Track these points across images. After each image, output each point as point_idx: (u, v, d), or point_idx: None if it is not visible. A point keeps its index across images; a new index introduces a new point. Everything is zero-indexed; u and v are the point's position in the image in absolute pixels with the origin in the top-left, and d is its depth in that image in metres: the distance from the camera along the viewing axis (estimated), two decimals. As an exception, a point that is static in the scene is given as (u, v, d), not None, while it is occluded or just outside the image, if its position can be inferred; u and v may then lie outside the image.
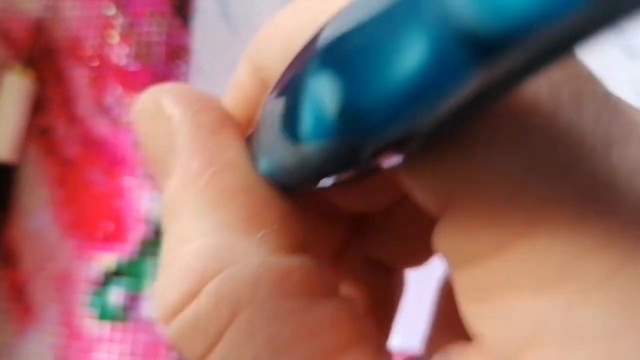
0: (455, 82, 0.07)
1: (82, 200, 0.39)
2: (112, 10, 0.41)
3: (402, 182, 0.10)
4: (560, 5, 0.06)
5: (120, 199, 0.39)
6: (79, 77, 0.41)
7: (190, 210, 0.11)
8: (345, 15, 0.09)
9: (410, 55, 0.07)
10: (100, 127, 0.40)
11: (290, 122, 0.09)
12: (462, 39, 0.06)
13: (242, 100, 0.13)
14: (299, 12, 0.11)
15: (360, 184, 0.11)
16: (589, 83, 0.09)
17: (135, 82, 0.40)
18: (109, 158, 0.39)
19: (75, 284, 0.38)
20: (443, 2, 0.06)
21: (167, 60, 0.40)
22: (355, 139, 0.08)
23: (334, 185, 0.11)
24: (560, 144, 0.09)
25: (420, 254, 0.16)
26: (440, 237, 0.10)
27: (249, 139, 0.12)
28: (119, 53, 0.41)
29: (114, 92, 0.40)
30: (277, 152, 0.10)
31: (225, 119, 0.12)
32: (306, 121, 0.09)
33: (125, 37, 0.41)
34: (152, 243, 0.38)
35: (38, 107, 0.40)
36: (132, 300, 0.37)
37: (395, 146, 0.09)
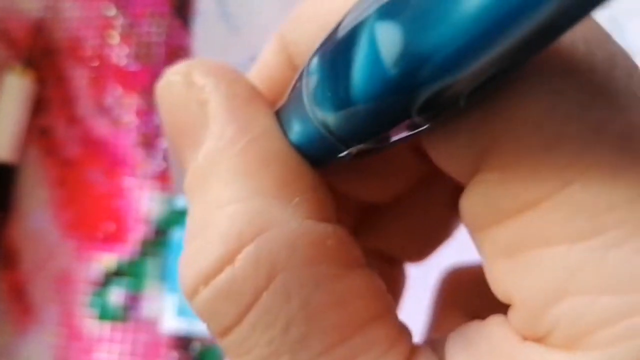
0: (519, 11, 0.07)
1: (82, 200, 0.39)
2: (112, 11, 0.41)
3: (431, 149, 0.10)
4: None
5: (120, 199, 0.39)
6: (79, 78, 0.41)
7: (225, 176, 0.11)
8: None
9: None
10: (101, 127, 0.40)
11: (334, 88, 0.09)
12: None
13: (267, 79, 0.13)
14: None
15: (374, 171, 0.11)
16: (618, 46, 0.09)
17: (135, 82, 0.40)
18: (109, 158, 0.39)
19: (75, 284, 0.38)
20: None
21: (167, 61, 0.40)
22: (413, 84, 0.08)
23: (355, 156, 0.11)
24: (595, 99, 0.09)
25: (424, 248, 0.16)
26: (472, 198, 0.10)
27: (277, 113, 0.12)
28: (119, 53, 0.41)
29: (114, 93, 0.40)
30: (309, 123, 0.10)
31: (256, 90, 0.12)
32: (361, 74, 0.09)
33: (125, 37, 0.41)
34: (153, 243, 0.38)
35: (38, 107, 0.40)
36: (132, 301, 0.37)
37: (446, 101, 0.09)
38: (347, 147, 0.10)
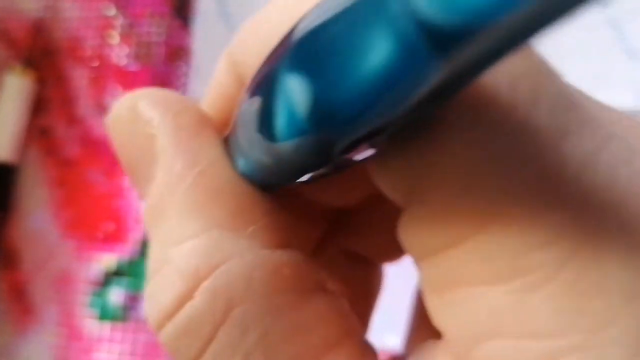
0: (421, 75, 0.07)
1: (82, 200, 0.39)
2: (112, 11, 0.41)
3: (371, 175, 0.10)
4: None
5: (120, 199, 0.39)
6: (79, 78, 0.41)
7: (177, 211, 0.11)
8: (315, 11, 0.09)
9: (377, 51, 0.07)
10: (100, 127, 0.40)
11: (265, 121, 0.09)
12: (425, 32, 0.07)
13: (220, 98, 0.13)
14: (279, 8, 0.11)
15: (338, 178, 0.11)
16: (547, 77, 0.09)
17: (135, 82, 0.40)
18: (109, 158, 0.39)
19: (75, 284, 0.38)
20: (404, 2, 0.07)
21: (167, 61, 0.40)
22: (326, 137, 0.09)
23: (311, 180, 0.11)
24: (516, 137, 0.09)
25: (399, 248, 0.16)
26: (404, 229, 0.10)
27: (227, 139, 0.12)
28: (119, 53, 0.41)
29: (114, 93, 0.40)
30: (254, 150, 0.10)
31: (204, 120, 0.12)
32: (280, 120, 0.09)
33: (125, 37, 0.41)
34: (152, 243, 0.38)
35: (38, 107, 0.40)
36: (132, 300, 0.37)
37: (366, 141, 0.09)
38: (294, 177, 0.11)
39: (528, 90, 0.09)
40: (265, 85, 0.09)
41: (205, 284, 0.10)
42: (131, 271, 0.38)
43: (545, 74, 0.09)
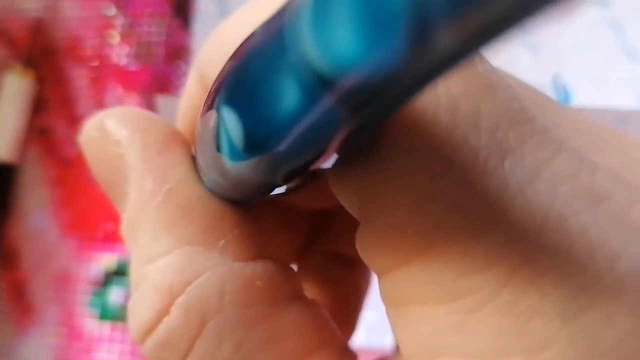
0: (328, 119, 0.07)
1: (82, 200, 0.39)
2: (112, 11, 0.41)
3: (332, 187, 0.11)
4: (383, 56, 0.06)
5: (120, 199, 0.39)
6: (79, 77, 0.41)
7: (150, 228, 0.11)
8: (241, 47, 0.09)
9: (286, 96, 0.07)
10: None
11: (217, 140, 0.10)
12: (319, 81, 0.07)
13: (191, 110, 0.13)
14: (239, 20, 0.11)
15: (312, 186, 0.11)
16: (488, 95, 0.09)
17: (135, 82, 0.40)
18: (109, 158, 0.39)
19: (75, 284, 0.38)
20: (300, 46, 0.07)
21: (167, 61, 0.40)
22: (265, 164, 0.09)
23: (283, 193, 0.11)
24: (453, 161, 0.09)
25: None
26: (359, 245, 0.10)
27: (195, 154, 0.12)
28: (119, 53, 0.41)
29: (114, 92, 0.40)
30: (210, 170, 0.10)
31: (172, 136, 0.12)
32: (223, 144, 0.09)
33: (125, 37, 0.41)
34: (152, 243, 0.38)
35: (38, 107, 0.40)
36: (132, 300, 0.38)
37: (311, 165, 0.09)
38: (252, 194, 0.11)
39: (467, 111, 0.09)
40: (213, 109, 0.10)
41: (180, 299, 0.10)
42: (131, 271, 0.38)
43: (488, 90, 0.09)
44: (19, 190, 0.40)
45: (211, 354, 0.10)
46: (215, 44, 0.12)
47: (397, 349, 0.15)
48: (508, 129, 0.09)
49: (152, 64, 0.40)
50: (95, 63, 0.41)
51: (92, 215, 0.39)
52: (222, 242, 0.11)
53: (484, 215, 0.09)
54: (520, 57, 0.35)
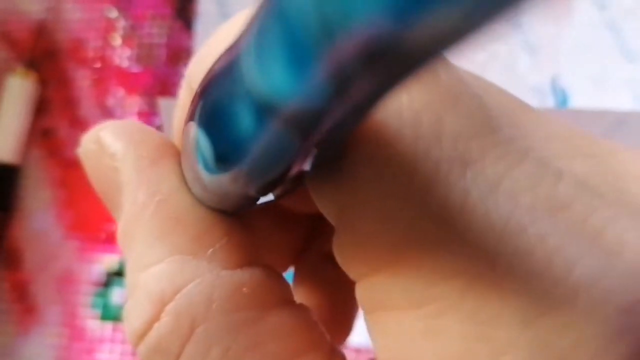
0: (283, 143, 0.08)
1: (84, 201, 0.39)
2: (113, 13, 0.41)
3: (311, 193, 0.11)
4: (318, 86, 0.07)
5: (122, 200, 0.39)
6: (81, 79, 0.41)
7: (143, 239, 0.11)
8: (210, 69, 0.09)
9: (241, 120, 0.08)
10: (102, 128, 0.40)
11: (196, 154, 0.10)
12: (266, 108, 0.08)
13: (183, 121, 0.13)
14: (224, 34, 0.11)
15: (301, 190, 0.12)
16: (451, 106, 0.09)
17: (137, 84, 0.40)
18: (110, 159, 0.39)
19: (77, 285, 0.39)
20: (249, 76, 0.07)
21: (169, 63, 0.40)
22: (237, 177, 0.09)
23: (272, 201, 0.12)
24: (417, 172, 0.09)
25: None
26: (335, 251, 0.11)
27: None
28: (121, 55, 0.41)
29: (116, 94, 0.40)
30: (195, 180, 0.11)
31: (165, 148, 0.12)
32: (200, 158, 0.10)
33: (126, 39, 0.41)
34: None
35: (40, 108, 0.41)
36: (134, 301, 0.38)
37: (283, 179, 0.10)
38: (235, 204, 0.11)
39: (430, 123, 0.09)
40: (191, 123, 0.10)
41: (169, 306, 0.11)
42: (133, 272, 0.38)
43: (451, 101, 0.09)
44: (22, 192, 0.40)
45: (200, 358, 0.11)
46: (203, 56, 0.12)
47: None
48: (470, 140, 0.09)
49: (153, 66, 0.40)
50: (97, 65, 0.41)
51: (94, 217, 0.39)
52: (210, 250, 0.11)
53: (446, 227, 0.09)
54: (518, 59, 0.35)
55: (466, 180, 0.09)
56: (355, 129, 0.09)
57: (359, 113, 0.08)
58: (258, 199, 0.11)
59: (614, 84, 0.34)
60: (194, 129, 0.10)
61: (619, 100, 0.34)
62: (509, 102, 0.10)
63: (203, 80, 0.09)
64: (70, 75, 0.41)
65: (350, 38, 0.06)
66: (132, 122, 0.12)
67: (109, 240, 0.39)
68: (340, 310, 0.17)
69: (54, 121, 0.41)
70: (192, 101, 0.10)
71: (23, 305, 0.39)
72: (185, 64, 0.40)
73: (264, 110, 0.08)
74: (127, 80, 0.40)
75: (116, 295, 0.38)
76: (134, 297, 0.11)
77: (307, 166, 0.10)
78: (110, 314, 0.38)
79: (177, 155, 0.12)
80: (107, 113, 0.40)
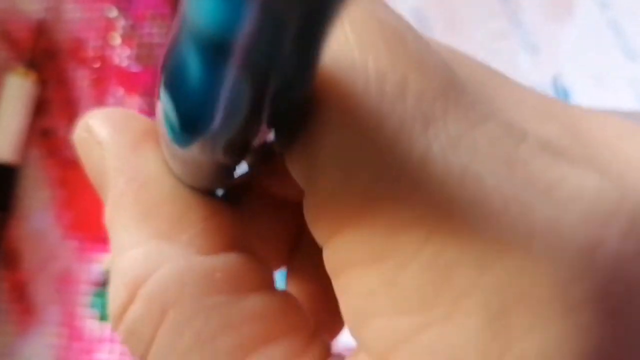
0: (236, 86, 0.08)
1: (84, 201, 0.39)
2: (113, 12, 0.41)
3: (285, 163, 0.11)
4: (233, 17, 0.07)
5: (121, 200, 0.39)
6: (81, 79, 0.41)
7: (123, 223, 0.12)
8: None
9: (194, 69, 0.08)
10: (102, 128, 0.40)
11: (165, 128, 0.10)
12: (212, 47, 0.08)
13: None
14: None
15: (279, 168, 0.12)
16: (416, 68, 0.10)
17: (137, 83, 0.40)
18: (110, 159, 0.39)
19: (76, 285, 0.38)
20: (191, 17, 0.07)
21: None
22: (205, 141, 0.09)
23: (247, 174, 0.11)
24: (381, 129, 0.09)
25: None
26: (306, 214, 0.11)
27: None
28: (121, 55, 0.41)
29: (116, 94, 0.40)
30: (172, 157, 0.11)
31: (146, 134, 0.12)
32: (168, 129, 0.10)
33: (126, 39, 0.41)
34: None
35: (40, 108, 0.41)
36: (133, 301, 0.38)
37: (251, 137, 0.10)
38: (210, 177, 0.11)
39: (394, 83, 0.09)
40: (157, 98, 0.10)
41: (142, 290, 0.11)
42: (132, 272, 0.38)
43: (415, 64, 0.10)
44: (21, 192, 0.40)
45: (173, 342, 0.11)
46: None
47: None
48: (434, 100, 0.09)
49: (153, 65, 0.40)
50: (97, 64, 0.41)
51: (93, 217, 0.39)
52: (186, 235, 0.11)
53: (406, 180, 0.09)
54: (520, 58, 0.35)
55: (428, 136, 0.09)
56: (308, 85, 0.09)
57: (301, 53, 0.08)
58: (233, 169, 0.11)
59: (615, 83, 0.34)
60: (161, 102, 0.10)
61: (621, 99, 0.34)
62: (480, 70, 0.11)
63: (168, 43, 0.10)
64: (70, 75, 0.41)
65: None
66: (118, 110, 0.13)
67: (108, 240, 0.39)
68: (333, 300, 0.16)
69: (53, 121, 0.41)
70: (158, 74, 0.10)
71: (22, 305, 0.39)
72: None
73: (209, 50, 0.08)
74: (126, 79, 0.40)
75: (115, 295, 0.38)
76: (113, 281, 0.11)
77: (271, 136, 0.11)
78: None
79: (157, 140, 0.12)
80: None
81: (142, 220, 0.11)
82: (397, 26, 0.10)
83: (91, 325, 0.38)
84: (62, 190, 0.40)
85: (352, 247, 0.10)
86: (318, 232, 0.10)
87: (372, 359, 0.10)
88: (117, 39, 0.41)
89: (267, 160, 0.12)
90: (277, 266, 0.17)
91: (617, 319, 0.09)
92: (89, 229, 0.39)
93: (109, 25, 0.41)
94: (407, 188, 0.09)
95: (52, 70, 0.41)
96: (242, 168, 0.12)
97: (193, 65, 0.08)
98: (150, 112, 0.39)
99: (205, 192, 0.12)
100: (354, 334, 0.10)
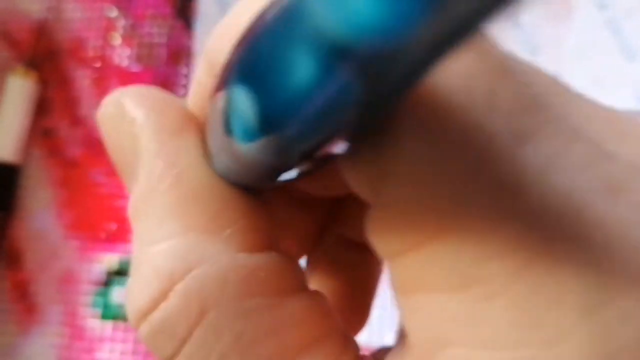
0: (345, 92, 0.07)
1: (85, 200, 0.39)
2: (114, 12, 0.41)
3: (341, 172, 0.10)
4: (411, 13, 0.06)
5: (122, 200, 0.39)
6: (82, 79, 0.41)
7: (156, 212, 0.11)
8: (255, 24, 0.09)
9: (302, 69, 0.07)
10: (103, 128, 0.40)
11: (226, 124, 0.09)
12: (336, 51, 0.07)
13: (201, 98, 0.13)
14: (247, 8, 0.11)
15: (324, 172, 0.11)
16: (504, 77, 0.09)
17: (137, 83, 0.40)
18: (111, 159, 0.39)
19: (78, 284, 0.39)
20: (313, 17, 0.07)
21: (169, 62, 0.40)
22: (280, 141, 0.09)
23: (296, 178, 0.11)
24: (468, 144, 0.09)
25: None
26: (369, 228, 0.10)
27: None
28: (121, 55, 0.41)
29: (116, 94, 0.40)
30: (221, 154, 0.10)
31: (187, 120, 0.12)
32: (236, 126, 0.09)
33: (126, 38, 0.41)
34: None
35: (41, 108, 0.41)
36: (135, 300, 0.38)
37: (325, 143, 0.09)
38: (263, 178, 0.11)
39: (483, 93, 0.09)
40: (223, 91, 0.10)
41: (179, 286, 0.10)
42: (133, 271, 0.38)
43: (503, 74, 0.09)
44: (23, 191, 0.40)
45: (210, 344, 0.10)
46: (224, 31, 0.11)
47: (399, 340, 0.15)
48: (523, 115, 0.09)
49: (153, 65, 0.40)
50: (98, 64, 0.41)
51: (94, 216, 0.39)
52: (227, 231, 0.11)
53: (499, 202, 0.08)
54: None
55: (521, 156, 0.08)
56: (405, 99, 0.09)
57: (428, 61, 0.07)
58: (284, 172, 0.11)
59: (614, 83, 0.34)
60: (224, 98, 0.09)
61: (620, 100, 0.34)
62: (551, 82, 0.10)
63: (243, 40, 0.09)
64: (70, 75, 0.41)
65: None
66: (155, 90, 0.12)
67: (110, 240, 0.39)
68: (356, 296, 0.16)
69: (54, 121, 0.41)
70: (226, 65, 0.09)
71: (24, 304, 0.39)
72: (186, 64, 0.40)
73: (332, 53, 0.07)
74: (127, 79, 0.40)
75: (116, 294, 0.38)
76: (139, 273, 0.10)
77: (337, 146, 0.10)
78: (111, 313, 0.38)
79: (198, 129, 0.12)
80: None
81: (179, 210, 0.10)
82: (480, 37, 0.09)
83: (92, 324, 0.38)
84: (64, 190, 0.40)
85: (430, 268, 0.09)
86: (383, 246, 0.10)
87: None
88: (117, 39, 0.41)
89: (320, 168, 0.11)
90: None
91: None
92: (91, 229, 0.39)
93: (110, 25, 0.41)
94: (498, 212, 0.08)
95: (53, 70, 0.41)
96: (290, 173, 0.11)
97: (302, 66, 0.07)
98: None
99: (242, 189, 0.11)
100: (420, 356, 0.09)
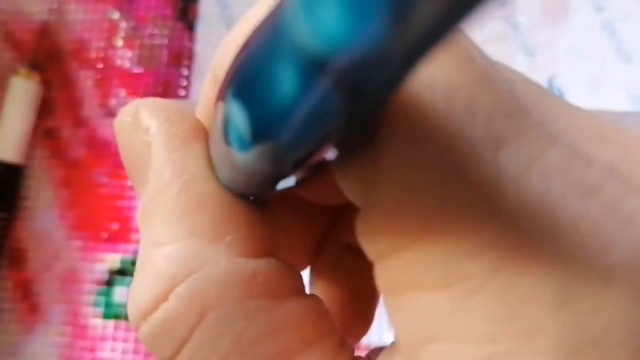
0: (327, 102, 0.08)
1: (87, 201, 0.40)
2: (116, 14, 0.42)
3: (334, 176, 0.11)
4: (377, 27, 0.06)
5: (124, 200, 0.39)
6: (84, 80, 0.41)
7: (163, 216, 0.11)
8: (245, 42, 0.09)
9: (285, 83, 0.08)
10: (105, 128, 0.40)
11: (226, 134, 0.10)
12: (314, 64, 0.07)
13: (208, 111, 0.13)
14: (253, 20, 0.11)
15: (321, 179, 0.12)
16: (485, 86, 0.09)
17: (139, 84, 0.41)
18: (113, 159, 0.39)
19: (80, 284, 0.39)
20: (293, 32, 0.07)
21: (170, 64, 0.41)
22: (272, 151, 0.09)
23: (292, 187, 0.11)
24: (452, 148, 0.09)
25: None
26: (358, 231, 0.10)
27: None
28: (123, 56, 0.41)
29: (118, 95, 0.41)
30: (224, 161, 0.11)
31: (197, 131, 0.12)
32: (232, 136, 0.10)
33: (129, 40, 0.41)
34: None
35: (44, 109, 0.41)
36: (136, 299, 0.38)
37: (318, 150, 0.10)
38: (261, 186, 0.11)
39: (464, 102, 0.09)
40: (222, 103, 0.10)
41: (180, 288, 0.10)
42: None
43: (484, 83, 0.09)
44: (25, 192, 0.40)
45: (211, 345, 0.10)
46: (228, 44, 0.12)
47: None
48: (503, 121, 0.09)
49: (155, 67, 0.41)
50: (100, 66, 0.41)
51: (97, 216, 0.39)
52: (229, 237, 0.11)
53: (477, 204, 0.09)
54: (515, 60, 0.36)
55: (499, 160, 0.09)
56: (388, 106, 0.09)
57: (405, 69, 0.08)
58: (282, 179, 0.11)
59: (609, 85, 0.34)
60: (223, 109, 0.10)
61: (615, 101, 0.34)
62: (534, 89, 0.10)
63: (238, 54, 0.09)
64: (73, 76, 0.41)
65: None
66: (170, 102, 0.12)
67: (112, 240, 0.39)
68: (359, 301, 0.17)
69: (57, 121, 0.41)
70: (224, 79, 0.10)
71: (27, 304, 0.39)
72: (187, 66, 0.40)
73: (311, 67, 0.07)
74: (129, 81, 0.41)
75: (119, 293, 0.38)
76: (142, 275, 0.11)
77: (331, 153, 0.10)
78: (113, 313, 0.38)
79: (207, 139, 0.12)
80: (110, 113, 0.41)
81: (184, 216, 0.11)
82: (463, 43, 0.10)
83: (95, 323, 0.38)
84: (66, 191, 0.40)
85: (415, 268, 0.09)
86: (372, 248, 0.10)
87: None
88: (119, 41, 0.41)
89: (316, 175, 0.11)
90: (301, 270, 0.17)
91: None
92: (93, 229, 0.39)
93: (112, 27, 0.42)
94: (477, 213, 0.09)
95: (56, 71, 0.41)
96: (288, 181, 0.11)
97: (285, 79, 0.08)
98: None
99: (244, 198, 0.12)
100: (407, 353, 0.10)
